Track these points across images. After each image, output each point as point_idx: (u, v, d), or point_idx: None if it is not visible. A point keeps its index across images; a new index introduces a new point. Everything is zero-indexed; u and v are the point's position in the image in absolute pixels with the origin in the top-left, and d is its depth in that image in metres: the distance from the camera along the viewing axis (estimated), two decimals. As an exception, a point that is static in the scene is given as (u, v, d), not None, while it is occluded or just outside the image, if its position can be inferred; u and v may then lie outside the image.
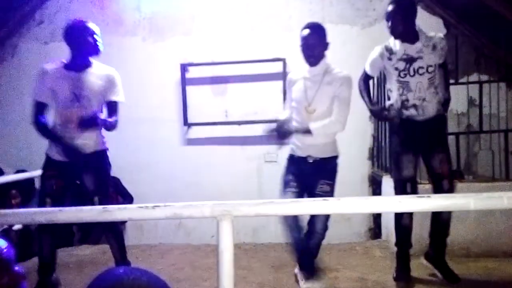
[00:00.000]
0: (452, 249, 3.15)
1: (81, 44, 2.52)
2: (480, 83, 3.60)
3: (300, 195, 2.55)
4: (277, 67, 4.46)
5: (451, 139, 3.48)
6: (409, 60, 2.59)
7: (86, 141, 2.56)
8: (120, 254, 2.73)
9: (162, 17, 4.66)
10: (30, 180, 4.12)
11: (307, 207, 1.49)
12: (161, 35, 4.68)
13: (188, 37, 4.63)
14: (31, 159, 4.68)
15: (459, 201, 1.41)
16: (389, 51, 2.64)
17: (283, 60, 4.43)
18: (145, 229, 4.57)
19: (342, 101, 2.49)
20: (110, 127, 2.56)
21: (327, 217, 2.57)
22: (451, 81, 3.85)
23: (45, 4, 4.78)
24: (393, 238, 3.10)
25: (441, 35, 2.76)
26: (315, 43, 2.51)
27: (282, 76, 4.44)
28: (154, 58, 4.65)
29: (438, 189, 2.60)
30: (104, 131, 2.66)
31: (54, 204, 2.48)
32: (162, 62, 4.65)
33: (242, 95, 4.58)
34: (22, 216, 1.57)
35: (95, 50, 2.57)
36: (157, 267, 3.27)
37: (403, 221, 2.68)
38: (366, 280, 2.80)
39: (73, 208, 1.55)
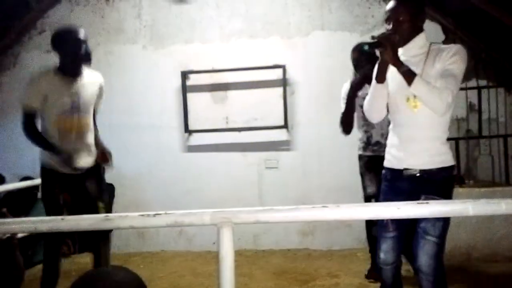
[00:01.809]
0: (453, 254, 3.16)
1: (75, 53, 2.46)
2: (479, 88, 3.61)
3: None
4: (277, 74, 4.48)
5: (451, 144, 3.49)
6: None
7: (84, 159, 2.56)
8: (107, 262, 2.72)
9: (163, 25, 4.70)
10: (33, 188, 4.13)
11: (306, 214, 1.49)
12: (162, 42, 4.71)
13: (188, 45, 4.67)
14: (34, 167, 4.69)
15: (458, 207, 1.42)
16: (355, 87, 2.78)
17: (283, 66, 4.45)
18: (146, 236, 4.57)
19: None
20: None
21: (437, 251, 1.89)
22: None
23: (47, 13, 4.82)
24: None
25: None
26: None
27: (282, 82, 4.46)
28: (155, 66, 4.68)
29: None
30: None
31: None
32: (163, 69, 4.68)
33: (243, 102, 4.60)
34: (24, 224, 1.58)
35: (87, 59, 2.52)
36: (158, 275, 3.28)
37: (373, 232, 2.75)
38: (367, 286, 2.80)
39: (75, 217, 1.56)
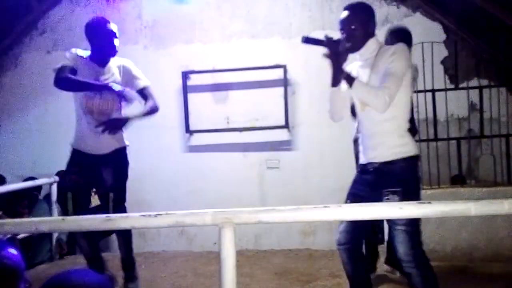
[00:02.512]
0: (455, 254, 3.15)
1: (104, 45, 2.60)
2: (481, 88, 3.61)
3: None
4: (278, 74, 4.48)
5: (452, 144, 3.49)
6: None
7: (107, 140, 2.62)
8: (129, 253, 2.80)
9: (164, 25, 4.70)
10: (34, 189, 4.13)
11: (308, 214, 1.49)
12: (163, 43, 4.71)
13: (189, 45, 4.67)
14: (34, 167, 4.70)
15: (460, 207, 1.42)
16: None
17: (284, 66, 4.45)
18: (147, 236, 4.58)
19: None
20: (152, 110, 2.72)
21: (409, 238, 1.92)
22: (452, 86, 3.88)
23: (47, 14, 4.82)
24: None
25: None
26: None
27: (283, 82, 4.46)
28: (156, 66, 4.68)
29: None
30: (124, 130, 2.73)
31: (75, 199, 2.56)
32: (164, 70, 4.68)
33: (244, 102, 4.60)
34: (25, 225, 1.58)
35: (114, 52, 2.64)
36: (160, 275, 3.28)
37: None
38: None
39: (76, 217, 1.56)
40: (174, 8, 4.64)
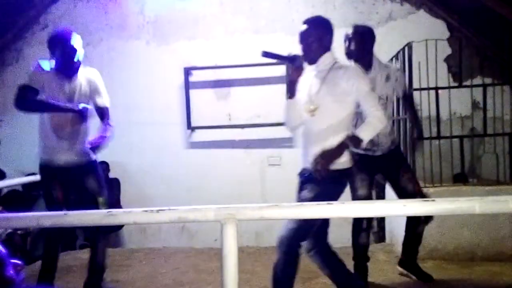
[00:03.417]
0: (457, 252, 3.14)
1: (66, 61, 2.52)
2: (484, 86, 3.59)
3: None
4: (280, 71, 4.46)
5: (455, 142, 3.47)
6: None
7: (80, 151, 2.59)
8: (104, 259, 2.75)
9: (166, 21, 4.68)
10: (35, 183, 4.12)
11: (310, 211, 1.48)
12: (165, 39, 4.70)
13: (191, 41, 4.65)
14: (35, 162, 4.70)
15: (464, 205, 1.41)
16: None
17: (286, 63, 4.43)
18: (148, 232, 4.58)
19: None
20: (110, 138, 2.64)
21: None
22: (455, 84, 3.87)
23: (50, 9, 4.81)
24: (397, 242, 3.09)
25: (397, 66, 2.77)
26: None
27: (285, 79, 4.44)
28: (158, 62, 4.67)
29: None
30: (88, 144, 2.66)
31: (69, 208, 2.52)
32: (166, 65, 4.67)
33: (246, 99, 4.58)
34: (27, 220, 1.58)
35: (75, 67, 2.57)
36: (160, 271, 3.28)
37: (360, 240, 2.73)
38: (370, 284, 2.79)
39: (78, 212, 1.55)
40: (176, 4, 4.63)
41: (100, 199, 2.64)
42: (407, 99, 2.79)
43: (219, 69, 4.57)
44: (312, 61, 2.15)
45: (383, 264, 3.19)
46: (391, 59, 3.55)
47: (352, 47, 2.57)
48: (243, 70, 4.50)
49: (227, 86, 4.60)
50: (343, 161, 2.09)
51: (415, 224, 2.72)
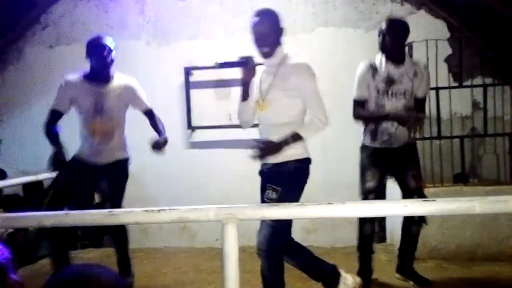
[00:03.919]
0: (458, 252, 3.14)
1: (96, 59, 2.62)
2: (485, 86, 3.59)
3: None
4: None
5: (455, 142, 3.47)
6: (390, 81, 2.57)
7: (112, 151, 2.71)
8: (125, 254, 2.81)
9: (167, 21, 4.68)
10: (37, 183, 4.14)
11: (311, 211, 1.49)
12: (165, 38, 4.70)
13: (192, 41, 4.65)
14: (36, 162, 4.70)
15: (465, 205, 1.41)
16: (374, 69, 2.60)
17: (287, 63, 4.43)
18: (149, 232, 4.58)
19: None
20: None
21: (271, 232, 2.11)
22: (455, 84, 3.86)
23: (50, 8, 4.81)
24: (398, 242, 3.08)
25: (424, 64, 2.75)
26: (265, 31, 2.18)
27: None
28: (158, 62, 4.67)
29: None
30: (127, 138, 2.83)
31: (54, 197, 2.60)
32: (166, 65, 4.66)
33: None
34: (29, 219, 1.58)
35: (107, 63, 2.66)
36: (162, 270, 3.28)
37: (365, 227, 2.71)
38: (372, 284, 2.79)
39: (80, 212, 1.55)
40: (177, 4, 4.63)
41: (107, 205, 2.71)
42: (422, 101, 2.73)
43: (219, 69, 4.57)
44: (268, 55, 2.14)
45: (384, 264, 3.19)
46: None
47: (387, 41, 2.54)
48: (243, 70, 4.50)
49: (228, 86, 4.60)
50: (299, 153, 2.12)
51: (409, 226, 2.72)
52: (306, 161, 2.18)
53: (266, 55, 2.14)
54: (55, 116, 2.64)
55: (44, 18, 4.83)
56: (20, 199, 4.38)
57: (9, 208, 4.04)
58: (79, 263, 0.85)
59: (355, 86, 2.65)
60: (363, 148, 2.74)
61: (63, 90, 2.62)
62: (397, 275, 2.87)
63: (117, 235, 2.81)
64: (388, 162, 2.68)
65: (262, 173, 2.27)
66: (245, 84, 2.15)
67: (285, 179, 2.11)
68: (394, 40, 2.53)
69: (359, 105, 2.64)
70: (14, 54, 4.90)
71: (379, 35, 2.59)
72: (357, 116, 2.66)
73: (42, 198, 2.69)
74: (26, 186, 4.20)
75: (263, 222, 2.18)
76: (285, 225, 2.13)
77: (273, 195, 2.10)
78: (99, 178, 2.72)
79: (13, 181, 3.98)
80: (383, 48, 2.57)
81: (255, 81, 2.19)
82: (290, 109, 2.10)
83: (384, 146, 2.63)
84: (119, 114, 2.71)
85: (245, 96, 2.17)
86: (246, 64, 2.11)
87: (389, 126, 2.61)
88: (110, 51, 2.64)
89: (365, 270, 2.72)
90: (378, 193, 2.65)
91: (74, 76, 2.66)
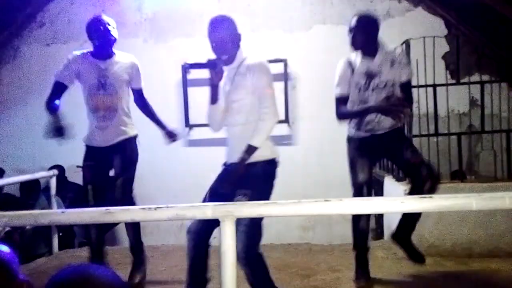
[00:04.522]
0: (455, 249, 3.15)
1: (98, 38, 2.67)
2: (482, 83, 3.59)
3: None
4: (278, 68, 4.46)
5: (453, 139, 3.48)
6: (369, 75, 2.57)
7: (117, 127, 2.75)
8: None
9: (164, 19, 4.67)
10: (34, 181, 4.12)
11: (308, 208, 1.49)
12: (163, 36, 4.69)
13: (189, 38, 4.64)
14: (33, 160, 4.69)
15: (461, 201, 1.41)
16: (351, 65, 2.61)
17: (285, 61, 4.43)
18: (147, 230, 4.56)
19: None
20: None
21: (246, 238, 2.04)
22: (453, 81, 3.87)
23: (46, 6, 4.79)
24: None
25: (401, 50, 2.73)
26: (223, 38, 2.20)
27: (284, 77, 4.44)
28: (156, 59, 4.66)
29: (418, 180, 2.52)
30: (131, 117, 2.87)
31: (94, 191, 2.74)
32: (164, 63, 4.66)
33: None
34: (25, 218, 1.58)
35: (109, 39, 2.70)
36: (159, 268, 3.28)
37: (360, 224, 2.67)
38: (370, 280, 2.80)
39: (76, 210, 1.55)
40: (174, 1, 4.62)
41: (118, 182, 2.76)
42: (407, 86, 2.66)
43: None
44: (228, 61, 2.18)
45: (382, 261, 3.20)
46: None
47: (356, 37, 2.55)
48: (241, 68, 4.50)
49: (225, 83, 4.60)
50: (266, 154, 2.16)
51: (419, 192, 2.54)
52: (274, 162, 2.22)
53: (226, 62, 2.18)
54: (58, 88, 2.69)
55: (41, 16, 4.81)
56: (16, 200, 4.37)
57: (4, 209, 4.03)
58: (79, 263, 0.85)
59: (336, 84, 2.67)
60: (349, 140, 2.73)
61: (69, 63, 2.70)
62: (392, 240, 2.79)
63: (130, 227, 2.88)
64: (376, 149, 2.66)
65: (227, 169, 2.29)
66: (214, 87, 2.17)
67: (253, 182, 2.12)
68: (363, 35, 2.53)
69: (341, 102, 2.64)
70: (10, 53, 4.88)
71: (349, 31, 2.59)
72: (340, 115, 2.66)
73: (84, 198, 2.76)
74: (22, 185, 4.18)
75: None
76: (257, 227, 2.13)
77: (243, 199, 2.09)
78: (111, 158, 2.79)
79: (10, 180, 3.96)
80: (355, 45, 2.58)
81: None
82: (253, 107, 2.14)
83: (369, 133, 2.63)
84: (122, 89, 2.76)
85: (214, 99, 2.20)
86: (214, 66, 2.12)
87: (372, 117, 2.60)
88: (111, 29, 2.70)
89: (362, 268, 2.73)
90: (369, 184, 2.64)
91: (80, 52, 2.75)
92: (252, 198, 2.04)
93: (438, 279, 2.78)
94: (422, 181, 2.48)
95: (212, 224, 2.21)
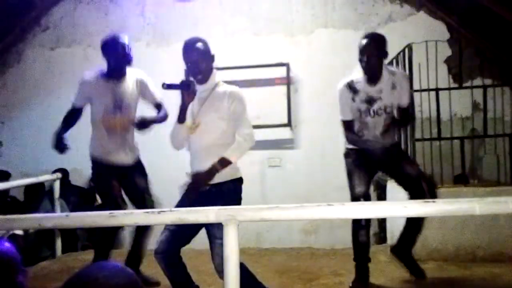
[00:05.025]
0: (458, 253, 3.14)
1: (115, 57, 2.69)
2: (484, 87, 3.59)
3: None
4: (280, 72, 4.47)
5: (455, 143, 3.48)
6: (370, 101, 2.57)
7: (131, 146, 2.80)
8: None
9: (166, 23, 4.69)
10: (38, 184, 4.13)
11: (311, 212, 1.49)
12: (165, 40, 4.71)
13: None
14: (38, 164, 4.71)
15: (465, 206, 1.41)
16: (353, 90, 2.59)
17: (287, 65, 4.44)
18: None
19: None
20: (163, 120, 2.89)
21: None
22: (455, 85, 3.87)
23: (50, 11, 4.82)
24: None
25: (403, 72, 2.72)
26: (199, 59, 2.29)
27: (286, 81, 4.45)
28: (158, 63, 4.67)
29: (418, 195, 2.50)
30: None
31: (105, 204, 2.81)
32: (166, 67, 4.67)
33: (246, 100, 4.58)
34: (30, 221, 1.59)
35: (127, 60, 2.75)
36: (161, 272, 3.27)
37: (360, 238, 2.67)
38: (371, 285, 2.79)
39: (79, 214, 1.56)
40: (176, 5, 4.64)
41: (146, 196, 2.85)
42: (405, 111, 2.70)
43: (219, 70, 4.57)
44: (201, 81, 2.25)
45: (384, 265, 3.19)
46: (391, 61, 3.56)
47: (365, 61, 2.51)
48: (243, 72, 4.51)
49: (228, 87, 4.61)
50: (234, 172, 2.24)
51: None
52: (240, 181, 2.31)
53: (200, 81, 2.25)
54: (73, 111, 2.74)
55: (45, 20, 4.84)
56: (20, 204, 4.38)
57: (8, 213, 4.05)
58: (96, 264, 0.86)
59: (340, 108, 2.69)
60: (347, 153, 2.74)
61: (81, 87, 2.72)
62: (392, 254, 2.79)
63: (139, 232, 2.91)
64: (375, 161, 2.68)
65: (197, 191, 2.32)
66: (184, 107, 2.24)
67: (226, 200, 2.11)
68: (369, 59, 2.50)
69: (347, 127, 2.67)
70: (14, 57, 4.91)
71: (361, 54, 2.55)
72: (349, 140, 2.70)
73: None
74: (26, 189, 4.20)
75: (212, 244, 2.29)
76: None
77: None
78: (122, 179, 2.79)
79: (14, 183, 3.98)
80: (363, 69, 2.55)
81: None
82: (221, 131, 2.22)
83: (367, 147, 2.65)
84: (135, 109, 2.79)
85: (182, 118, 2.26)
86: (188, 87, 2.20)
87: (370, 137, 2.63)
88: (128, 49, 2.73)
89: (362, 278, 2.71)
90: (367, 197, 2.62)
91: (91, 74, 2.72)
92: None
93: (441, 284, 2.77)
94: (422, 196, 2.47)
95: (179, 242, 2.37)
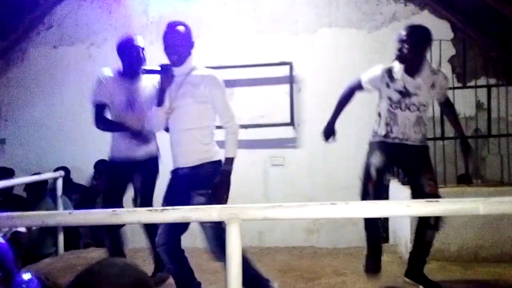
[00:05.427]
0: (461, 253, 3.13)
1: (130, 59, 2.76)
2: (488, 86, 3.58)
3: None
4: (283, 71, 4.47)
5: (457, 142, 3.46)
6: (405, 94, 2.48)
7: (144, 144, 2.84)
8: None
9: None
10: (41, 182, 4.14)
11: (314, 211, 1.49)
12: (169, 39, 4.70)
13: (195, 41, 4.65)
14: (40, 161, 4.72)
15: (468, 206, 1.41)
16: (390, 77, 2.50)
17: (290, 64, 4.43)
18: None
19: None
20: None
21: (216, 233, 2.20)
22: (459, 84, 3.86)
23: (54, 9, 4.83)
24: (401, 243, 3.09)
25: (445, 74, 2.64)
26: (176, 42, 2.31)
27: (289, 79, 4.45)
28: (161, 62, 4.68)
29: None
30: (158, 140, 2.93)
31: (104, 202, 2.85)
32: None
33: (249, 99, 4.59)
34: (32, 219, 1.59)
35: (140, 62, 2.77)
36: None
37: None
38: (374, 285, 2.79)
39: (82, 211, 1.56)
40: (180, 4, 4.64)
41: (138, 199, 2.88)
42: (449, 105, 2.72)
43: (222, 69, 4.58)
44: (177, 63, 2.28)
45: (387, 265, 3.18)
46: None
47: (404, 51, 2.41)
48: (246, 70, 4.51)
49: (231, 86, 4.59)
50: (212, 155, 2.30)
51: (424, 230, 2.58)
52: (219, 163, 2.32)
53: (175, 64, 2.27)
54: (101, 108, 2.76)
55: (48, 19, 4.85)
56: (22, 200, 4.39)
57: (10, 209, 4.06)
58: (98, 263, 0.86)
59: (366, 75, 2.59)
60: (373, 144, 2.61)
61: (101, 84, 2.75)
62: (406, 279, 2.74)
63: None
64: (400, 159, 2.59)
65: (176, 174, 2.37)
66: (163, 91, 2.28)
67: (205, 182, 2.25)
68: (413, 50, 2.40)
69: (355, 85, 2.65)
70: (18, 55, 4.92)
71: (397, 43, 2.44)
72: (344, 92, 2.69)
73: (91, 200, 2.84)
74: (28, 186, 4.21)
75: (203, 229, 2.33)
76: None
77: (201, 200, 2.22)
78: (133, 173, 2.85)
79: (17, 181, 3.99)
80: (400, 58, 2.44)
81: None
82: (198, 115, 2.26)
83: (398, 141, 2.54)
84: (148, 108, 2.77)
85: (160, 102, 2.29)
86: (166, 71, 2.25)
87: (399, 134, 2.53)
88: (142, 50, 2.78)
89: (375, 260, 2.65)
90: (379, 186, 2.49)
91: (108, 72, 2.79)
92: (208, 196, 2.21)
93: (444, 284, 2.76)
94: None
95: (178, 231, 2.40)
